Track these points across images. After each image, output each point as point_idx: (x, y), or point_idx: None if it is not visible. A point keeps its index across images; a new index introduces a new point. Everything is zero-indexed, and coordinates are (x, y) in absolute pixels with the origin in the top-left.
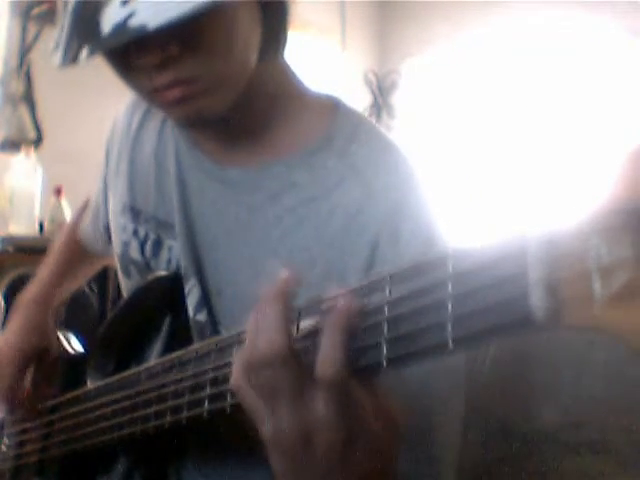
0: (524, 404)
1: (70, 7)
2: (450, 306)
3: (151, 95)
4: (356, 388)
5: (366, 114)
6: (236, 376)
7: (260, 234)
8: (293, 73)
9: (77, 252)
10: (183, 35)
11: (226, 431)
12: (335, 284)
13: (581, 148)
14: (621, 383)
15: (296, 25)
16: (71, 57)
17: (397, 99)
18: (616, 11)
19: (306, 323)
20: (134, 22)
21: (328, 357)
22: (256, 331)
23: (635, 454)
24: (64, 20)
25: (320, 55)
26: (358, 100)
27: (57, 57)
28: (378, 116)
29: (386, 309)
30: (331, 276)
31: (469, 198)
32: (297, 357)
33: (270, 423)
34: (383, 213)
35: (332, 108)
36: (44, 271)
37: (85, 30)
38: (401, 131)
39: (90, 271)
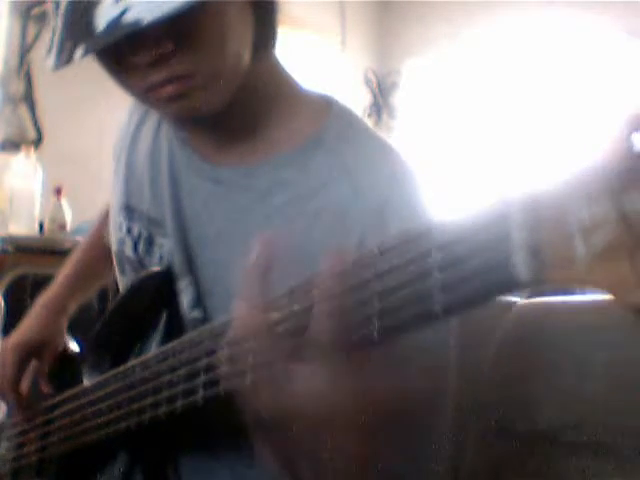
0: (524, 404)
1: (62, 9)
2: (436, 274)
3: (145, 94)
4: (344, 364)
5: (366, 114)
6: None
7: (250, 234)
8: (286, 72)
9: (99, 257)
10: (177, 31)
11: (225, 429)
12: None
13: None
14: (621, 384)
15: (296, 25)
16: (65, 58)
17: (397, 99)
18: (615, 11)
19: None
20: (129, 17)
21: (323, 325)
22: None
23: (635, 454)
24: (56, 23)
25: (320, 55)
26: (358, 100)
27: (51, 60)
28: (378, 116)
29: (375, 283)
30: None
31: (467, 196)
32: (275, 331)
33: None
34: (369, 212)
35: (325, 107)
36: (61, 276)
37: (79, 29)
38: (401, 131)
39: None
